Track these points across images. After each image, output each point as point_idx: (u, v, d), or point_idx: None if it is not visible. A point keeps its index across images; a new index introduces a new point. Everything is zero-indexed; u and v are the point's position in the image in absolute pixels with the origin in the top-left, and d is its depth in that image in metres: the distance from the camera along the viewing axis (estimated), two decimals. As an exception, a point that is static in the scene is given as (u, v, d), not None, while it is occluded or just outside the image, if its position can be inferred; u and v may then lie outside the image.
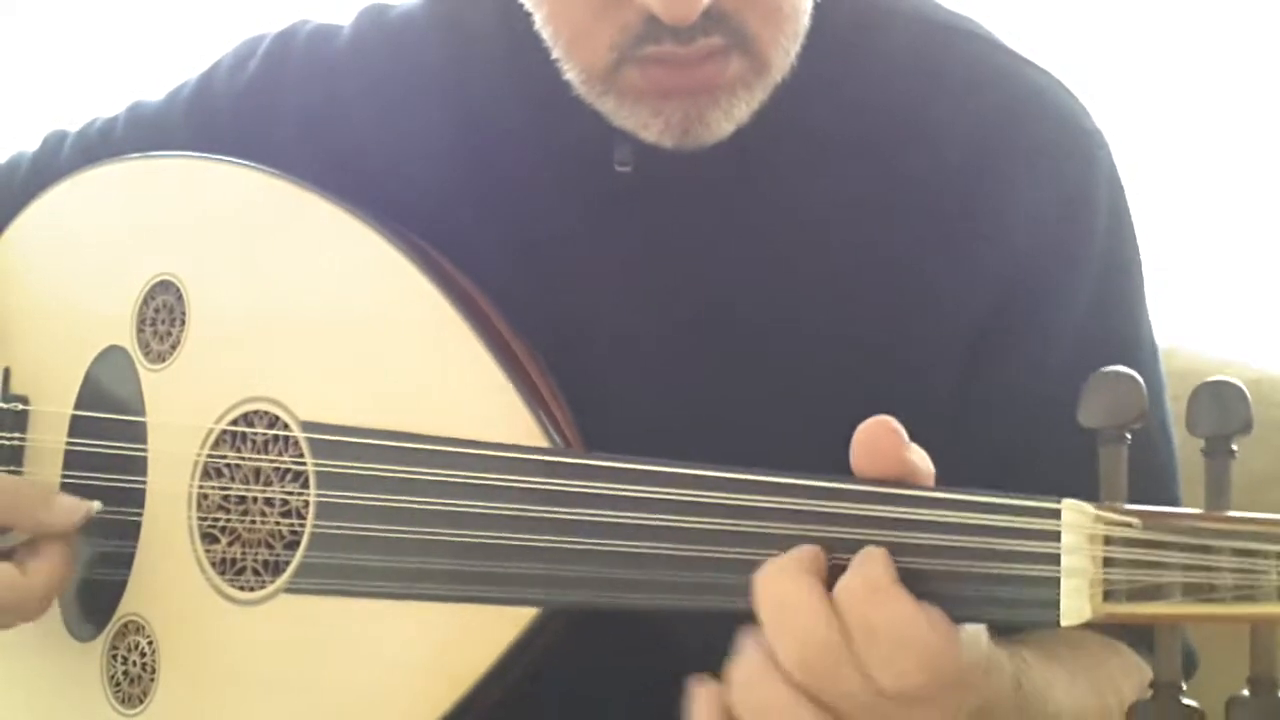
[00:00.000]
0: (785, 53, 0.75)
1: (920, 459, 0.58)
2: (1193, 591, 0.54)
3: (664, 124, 0.74)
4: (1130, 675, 0.79)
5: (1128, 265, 0.85)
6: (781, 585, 0.56)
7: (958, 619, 0.56)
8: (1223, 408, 0.55)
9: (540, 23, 0.77)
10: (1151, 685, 0.55)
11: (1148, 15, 1.46)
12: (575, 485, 0.66)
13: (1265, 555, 0.54)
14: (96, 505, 0.80)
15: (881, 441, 0.58)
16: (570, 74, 0.76)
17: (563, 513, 0.66)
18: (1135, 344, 0.84)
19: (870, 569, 0.56)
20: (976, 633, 0.59)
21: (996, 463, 0.71)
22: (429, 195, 0.85)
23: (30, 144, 1.02)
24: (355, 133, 0.90)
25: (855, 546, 0.57)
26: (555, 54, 0.77)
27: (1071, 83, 0.87)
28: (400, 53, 0.91)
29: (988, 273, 0.81)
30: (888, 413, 0.59)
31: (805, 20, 0.77)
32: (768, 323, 0.81)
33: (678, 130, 0.75)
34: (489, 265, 0.80)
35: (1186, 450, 0.78)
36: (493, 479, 0.68)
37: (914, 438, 0.59)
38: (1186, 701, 0.55)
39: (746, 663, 0.57)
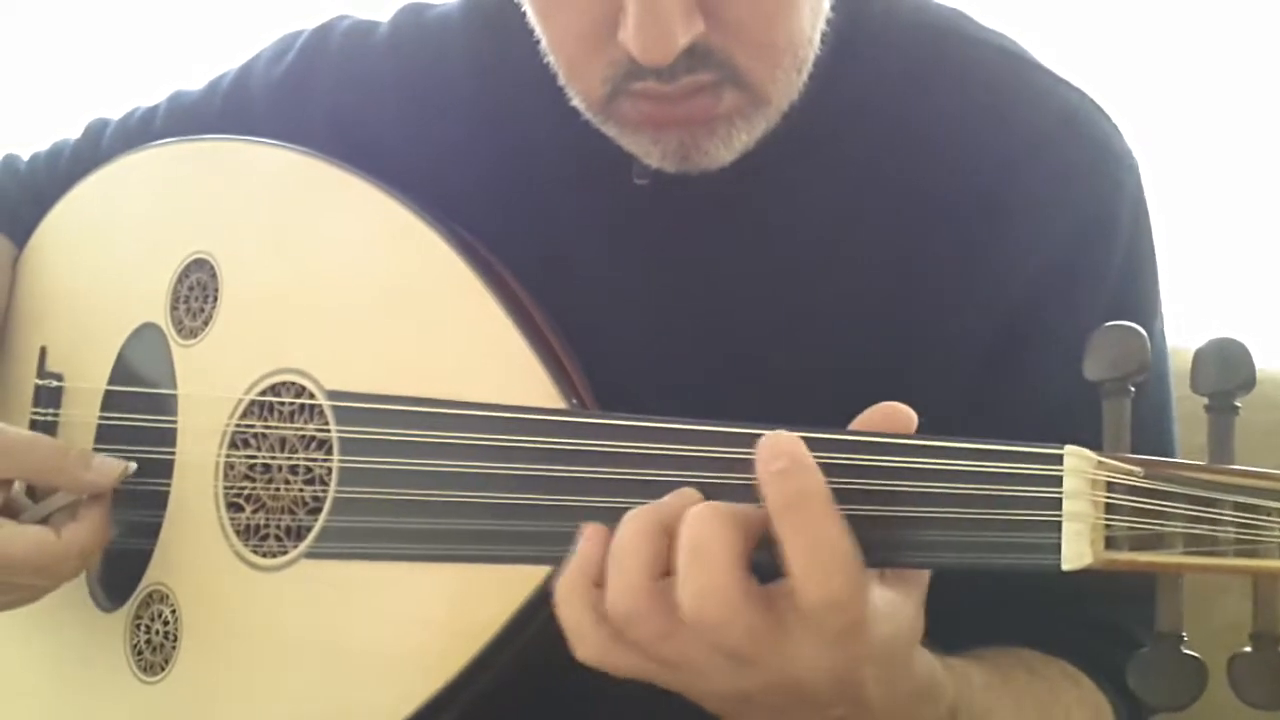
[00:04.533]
0: (785, 83, 0.75)
1: None
2: (1194, 543, 0.54)
3: (662, 152, 0.75)
4: (1086, 709, 0.78)
5: (1143, 290, 0.85)
6: (700, 528, 0.57)
7: (961, 565, 0.57)
8: (1226, 365, 0.56)
9: (545, 50, 0.78)
10: (1154, 636, 0.56)
11: (1148, 17, 1.47)
12: (591, 444, 0.67)
13: (1268, 511, 0.54)
14: (133, 466, 0.82)
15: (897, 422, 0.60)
16: (574, 101, 0.78)
17: (579, 471, 0.67)
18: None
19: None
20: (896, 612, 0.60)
21: None
22: (454, 195, 0.85)
23: (68, 133, 1.05)
24: (385, 129, 0.91)
25: (862, 498, 0.58)
26: (560, 81, 0.78)
27: (1089, 88, 0.87)
28: (436, 53, 0.92)
29: (1002, 290, 0.81)
30: None
31: (809, 47, 0.76)
32: (778, 333, 0.82)
33: (676, 157, 0.75)
34: (511, 268, 0.81)
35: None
36: (510, 440, 0.69)
37: None
38: (1187, 652, 0.55)
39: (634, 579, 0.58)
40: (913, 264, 0.81)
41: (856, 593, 0.56)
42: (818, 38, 0.77)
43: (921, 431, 0.60)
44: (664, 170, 0.77)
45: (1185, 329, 0.95)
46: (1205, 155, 1.47)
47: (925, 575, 0.61)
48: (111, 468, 0.82)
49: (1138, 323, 0.81)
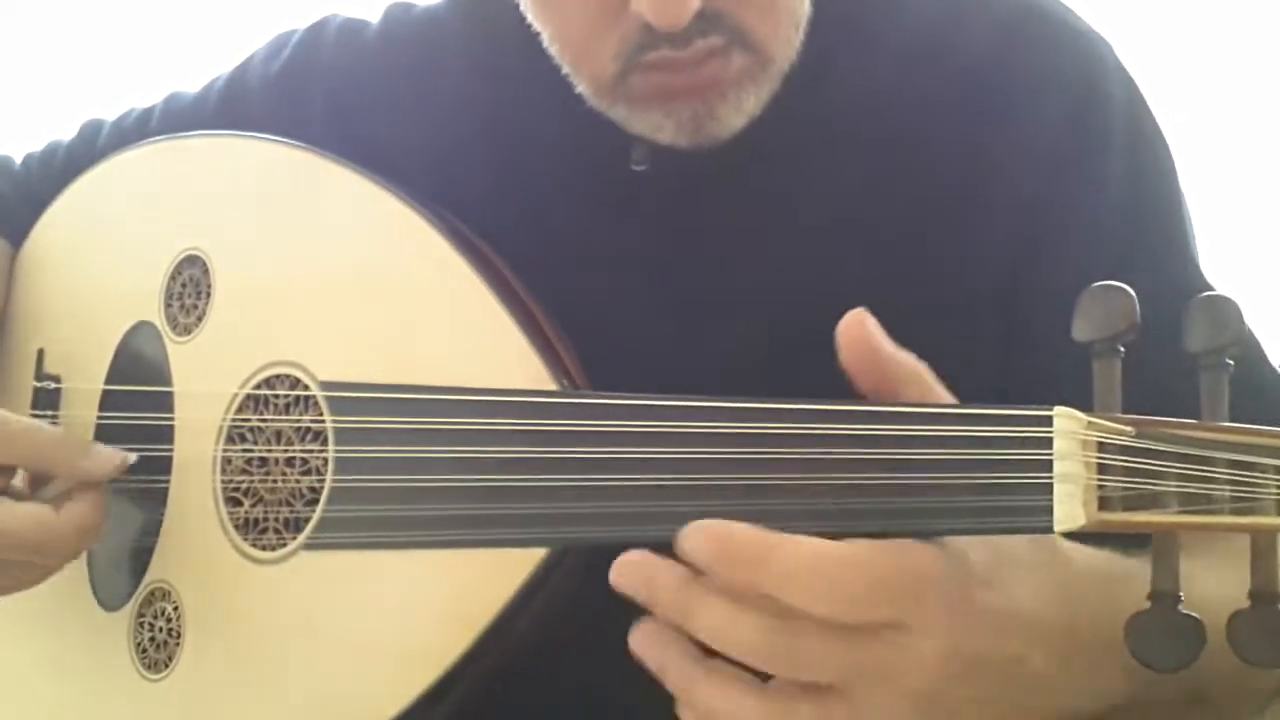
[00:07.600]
0: (787, 43, 0.77)
1: (907, 361, 0.60)
2: (1189, 502, 0.54)
3: (675, 124, 0.76)
4: None
5: (1157, 167, 0.84)
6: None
7: (953, 531, 0.57)
8: (1216, 322, 0.56)
9: (547, 41, 0.79)
10: (1150, 595, 0.55)
11: (1148, 18, 1.47)
12: (584, 424, 0.67)
13: (1263, 469, 0.54)
14: (132, 456, 0.82)
15: (850, 332, 0.60)
16: (580, 88, 0.79)
17: (573, 451, 0.66)
18: (1174, 244, 0.81)
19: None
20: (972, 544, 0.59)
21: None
22: (451, 186, 0.85)
23: (65, 134, 1.05)
24: (380, 124, 0.92)
25: (851, 466, 0.58)
26: (564, 70, 0.79)
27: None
28: (427, 46, 0.93)
29: (1008, 211, 0.80)
30: None
31: (805, 7, 0.78)
32: (781, 311, 0.82)
33: (689, 128, 0.76)
34: (510, 259, 0.81)
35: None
36: (504, 423, 0.69)
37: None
38: (1185, 611, 0.55)
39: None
40: (910, 220, 0.81)
41: (842, 588, 0.55)
42: None
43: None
44: (676, 146, 0.77)
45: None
46: (1202, 156, 1.47)
47: None
48: (109, 457, 0.82)
49: (1161, 212, 0.82)
